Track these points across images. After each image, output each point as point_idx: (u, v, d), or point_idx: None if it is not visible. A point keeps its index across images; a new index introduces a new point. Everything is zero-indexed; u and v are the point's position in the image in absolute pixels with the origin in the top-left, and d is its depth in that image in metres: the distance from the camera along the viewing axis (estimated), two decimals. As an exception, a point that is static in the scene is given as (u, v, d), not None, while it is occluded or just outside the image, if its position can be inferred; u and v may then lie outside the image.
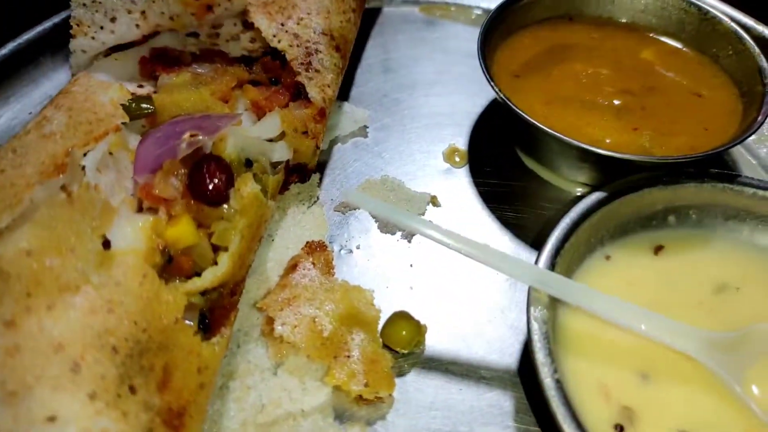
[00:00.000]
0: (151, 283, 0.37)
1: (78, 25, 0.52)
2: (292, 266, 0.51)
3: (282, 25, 0.53)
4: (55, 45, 0.67)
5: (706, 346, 0.43)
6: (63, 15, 0.68)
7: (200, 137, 0.44)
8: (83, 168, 0.42)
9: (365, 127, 0.62)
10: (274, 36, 0.52)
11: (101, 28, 0.50)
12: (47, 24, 0.68)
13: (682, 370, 0.44)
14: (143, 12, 0.50)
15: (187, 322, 0.40)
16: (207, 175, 0.42)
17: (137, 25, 0.51)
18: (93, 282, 0.35)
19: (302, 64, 0.53)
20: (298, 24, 0.54)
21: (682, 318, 0.44)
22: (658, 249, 0.48)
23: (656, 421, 0.42)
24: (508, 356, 0.47)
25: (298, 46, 0.53)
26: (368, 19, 0.69)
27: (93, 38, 0.51)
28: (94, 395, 0.33)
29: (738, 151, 0.61)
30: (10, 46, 0.66)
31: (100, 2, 0.50)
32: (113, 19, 0.49)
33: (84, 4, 0.50)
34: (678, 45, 0.61)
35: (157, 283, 0.37)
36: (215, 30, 0.54)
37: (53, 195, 0.38)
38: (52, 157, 0.43)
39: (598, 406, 0.41)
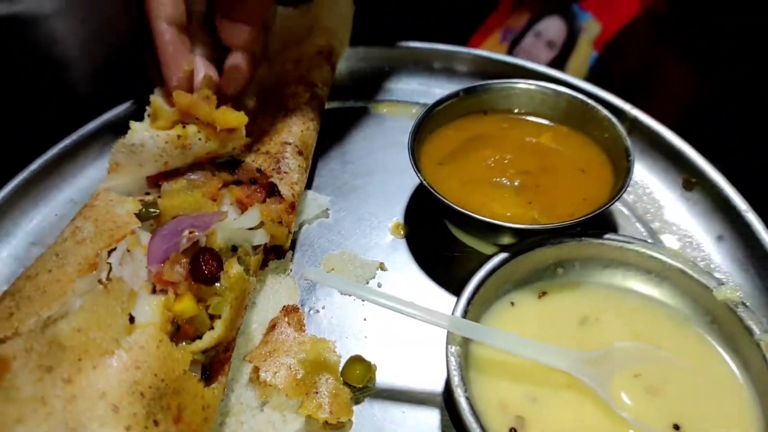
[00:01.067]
0: (165, 346, 0.48)
1: (115, 164, 0.64)
2: (272, 326, 0.61)
3: (258, 149, 0.67)
4: (73, 155, 0.78)
5: (577, 363, 0.53)
6: (77, 135, 0.79)
7: (196, 233, 0.57)
8: (110, 264, 0.55)
9: (327, 209, 0.73)
10: (253, 161, 0.65)
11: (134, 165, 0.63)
12: (67, 141, 0.78)
13: (562, 384, 0.53)
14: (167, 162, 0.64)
15: (193, 373, 0.52)
16: (203, 264, 0.53)
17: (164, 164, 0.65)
18: (123, 347, 0.47)
19: (273, 169, 0.66)
20: (268, 143, 0.68)
21: (558, 344, 0.54)
22: (542, 294, 0.61)
23: (542, 425, 0.52)
24: (435, 384, 0.58)
25: (270, 158, 0.66)
26: (329, 117, 0.79)
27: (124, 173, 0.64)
28: (129, 428, 0.45)
29: (616, 209, 0.72)
30: (39, 161, 0.76)
31: (141, 149, 0.62)
32: (142, 164, 0.63)
33: (125, 152, 0.62)
34: (567, 129, 0.73)
35: (169, 345, 0.49)
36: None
37: (91, 287, 0.51)
38: (86, 258, 0.55)
39: (498, 416, 0.52)
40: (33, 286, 0.52)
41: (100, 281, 0.51)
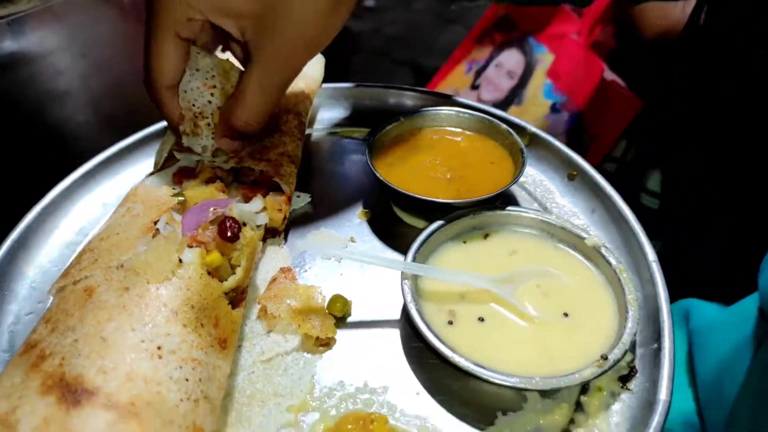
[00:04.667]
0: (205, 278, 0.62)
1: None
2: (273, 280, 0.77)
3: (260, 158, 0.83)
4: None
5: (492, 282, 0.69)
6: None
7: (219, 210, 0.75)
8: (157, 229, 0.72)
9: (309, 203, 0.89)
10: (257, 166, 0.81)
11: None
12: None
13: (482, 295, 0.69)
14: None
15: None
16: (228, 227, 0.68)
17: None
18: (177, 276, 0.61)
19: (275, 173, 0.82)
20: (268, 155, 0.84)
21: (491, 268, 0.72)
22: (486, 236, 0.78)
23: (466, 316, 0.68)
24: (395, 312, 0.74)
25: (270, 164, 0.82)
26: (306, 139, 0.96)
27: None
28: (185, 325, 0.60)
29: (521, 195, 0.91)
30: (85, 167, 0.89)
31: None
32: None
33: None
34: (479, 136, 0.91)
35: (207, 278, 0.62)
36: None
37: (153, 240, 0.68)
38: (143, 225, 0.69)
39: (438, 315, 0.68)
40: (107, 244, 0.68)
41: (154, 236, 0.68)
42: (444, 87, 1.81)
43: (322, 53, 0.92)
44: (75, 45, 0.98)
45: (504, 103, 1.67)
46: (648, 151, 1.33)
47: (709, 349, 0.84)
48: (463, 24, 1.91)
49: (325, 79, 1.05)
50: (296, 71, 0.72)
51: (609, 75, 1.56)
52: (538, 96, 1.62)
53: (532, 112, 1.59)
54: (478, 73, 1.74)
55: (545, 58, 1.65)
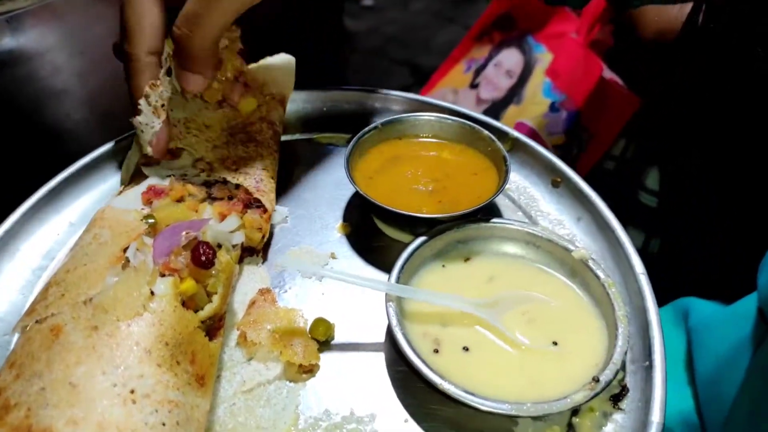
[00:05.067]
0: (179, 310, 0.59)
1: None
2: (252, 303, 0.74)
3: (237, 170, 0.81)
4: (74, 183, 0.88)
5: (477, 307, 0.67)
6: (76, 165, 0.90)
7: (192, 233, 0.71)
8: (127, 258, 0.68)
9: (286, 217, 0.86)
10: (235, 179, 0.79)
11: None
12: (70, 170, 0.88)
13: (467, 319, 0.68)
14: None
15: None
16: (202, 251, 0.65)
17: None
18: (149, 310, 0.58)
19: (255, 188, 0.79)
20: (245, 167, 0.82)
21: (470, 294, 0.69)
22: (467, 259, 0.76)
23: (451, 344, 0.66)
24: (379, 335, 0.71)
25: (249, 178, 0.80)
26: (282, 147, 0.92)
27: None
28: (160, 365, 0.57)
29: (505, 203, 0.89)
30: (45, 187, 0.85)
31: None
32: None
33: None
34: (461, 146, 0.89)
35: (182, 310, 0.59)
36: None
37: (122, 272, 0.64)
38: (111, 254, 0.66)
39: (424, 342, 0.66)
40: (74, 277, 0.64)
41: (124, 267, 0.64)
42: (443, 86, 1.79)
43: (307, 54, 0.89)
44: (73, 43, 0.97)
45: (503, 102, 1.65)
46: (647, 149, 1.33)
47: (708, 348, 0.84)
48: (461, 24, 1.89)
49: (324, 78, 1.02)
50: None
51: (608, 74, 1.55)
52: (537, 95, 1.60)
53: (531, 110, 1.58)
54: (477, 72, 1.72)
55: (544, 57, 1.64)
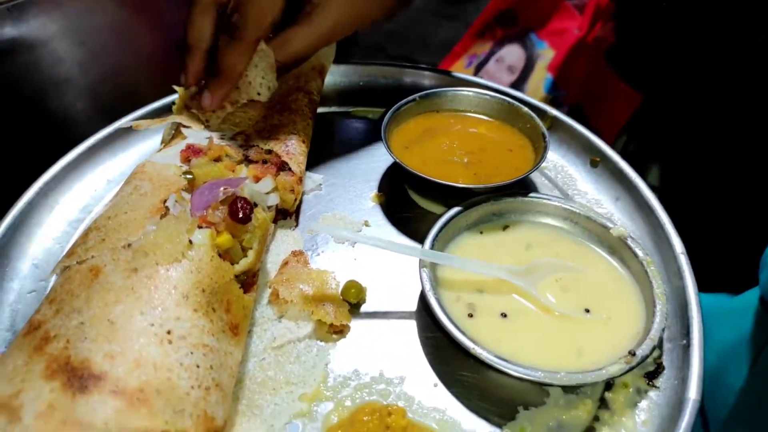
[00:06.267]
0: (216, 260, 0.60)
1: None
2: (285, 263, 0.74)
3: (270, 137, 0.82)
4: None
5: (512, 274, 0.67)
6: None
7: (230, 189, 0.72)
8: (166, 207, 0.69)
9: (321, 184, 0.86)
10: (266, 145, 0.80)
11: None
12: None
13: (502, 286, 0.67)
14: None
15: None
16: (240, 207, 0.65)
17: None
18: (187, 257, 0.58)
19: (284, 152, 0.79)
20: (278, 133, 0.82)
21: (507, 262, 0.69)
22: (505, 227, 0.76)
23: (487, 310, 0.66)
24: (412, 301, 0.71)
25: (280, 143, 0.80)
26: (319, 119, 0.92)
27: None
28: (196, 309, 0.57)
29: (541, 181, 0.88)
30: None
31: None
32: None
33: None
34: (498, 122, 0.88)
35: (218, 260, 0.59)
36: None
37: (162, 220, 0.64)
38: (151, 205, 0.66)
39: (458, 307, 0.66)
40: (114, 223, 0.64)
41: (163, 217, 0.65)
42: None
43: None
44: (75, 32, 0.97)
45: None
46: (648, 145, 1.31)
47: (711, 340, 0.83)
48: (461, 21, 1.87)
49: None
50: (339, 35, 0.85)
51: (609, 70, 1.55)
52: (539, 90, 1.60)
53: None
54: (479, 68, 1.71)
55: (546, 53, 1.64)
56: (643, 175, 1.28)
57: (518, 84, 1.63)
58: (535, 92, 1.61)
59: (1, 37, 0.90)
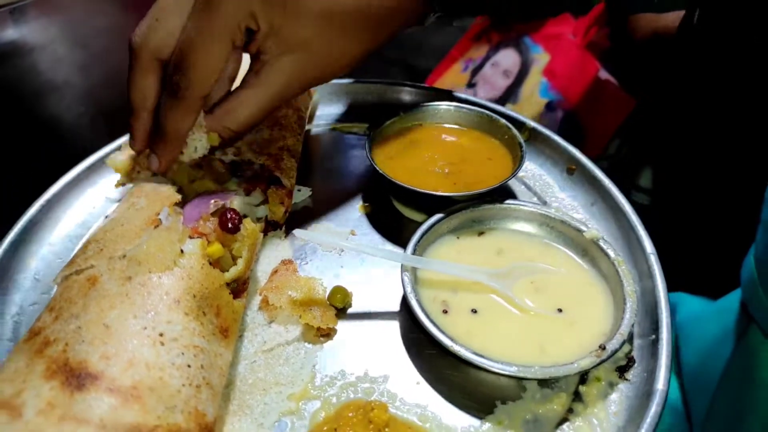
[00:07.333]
0: (206, 267, 0.63)
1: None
2: (274, 272, 0.78)
3: (261, 151, 0.83)
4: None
5: (488, 276, 0.70)
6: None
7: (220, 201, 0.76)
8: (159, 219, 0.73)
9: (309, 197, 0.90)
10: (257, 160, 0.81)
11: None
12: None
13: (477, 287, 0.70)
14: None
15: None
16: (229, 218, 0.69)
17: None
18: (179, 265, 0.62)
19: (275, 167, 0.82)
20: (269, 149, 0.84)
21: (479, 264, 0.72)
22: (480, 233, 0.79)
23: (460, 307, 0.69)
24: (394, 304, 0.75)
25: (271, 158, 0.82)
26: (306, 134, 0.96)
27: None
28: (187, 313, 0.61)
29: (520, 189, 0.91)
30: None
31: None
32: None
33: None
34: (478, 133, 0.92)
35: (209, 267, 0.62)
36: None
37: (154, 230, 0.68)
38: (146, 218, 0.70)
39: (434, 305, 0.69)
40: (112, 235, 0.68)
41: (158, 227, 0.69)
42: (440, 85, 1.81)
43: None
44: (75, 35, 0.99)
45: (500, 102, 1.68)
46: (640, 149, 1.34)
47: (693, 341, 0.86)
48: (456, 26, 1.91)
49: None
50: (294, 94, 0.74)
51: (603, 74, 1.58)
52: (534, 94, 1.63)
53: (528, 110, 1.61)
54: (475, 72, 1.74)
55: (541, 57, 1.66)
56: (636, 178, 1.31)
57: (513, 88, 1.66)
58: (530, 97, 1.64)
59: (1, 39, 0.91)
